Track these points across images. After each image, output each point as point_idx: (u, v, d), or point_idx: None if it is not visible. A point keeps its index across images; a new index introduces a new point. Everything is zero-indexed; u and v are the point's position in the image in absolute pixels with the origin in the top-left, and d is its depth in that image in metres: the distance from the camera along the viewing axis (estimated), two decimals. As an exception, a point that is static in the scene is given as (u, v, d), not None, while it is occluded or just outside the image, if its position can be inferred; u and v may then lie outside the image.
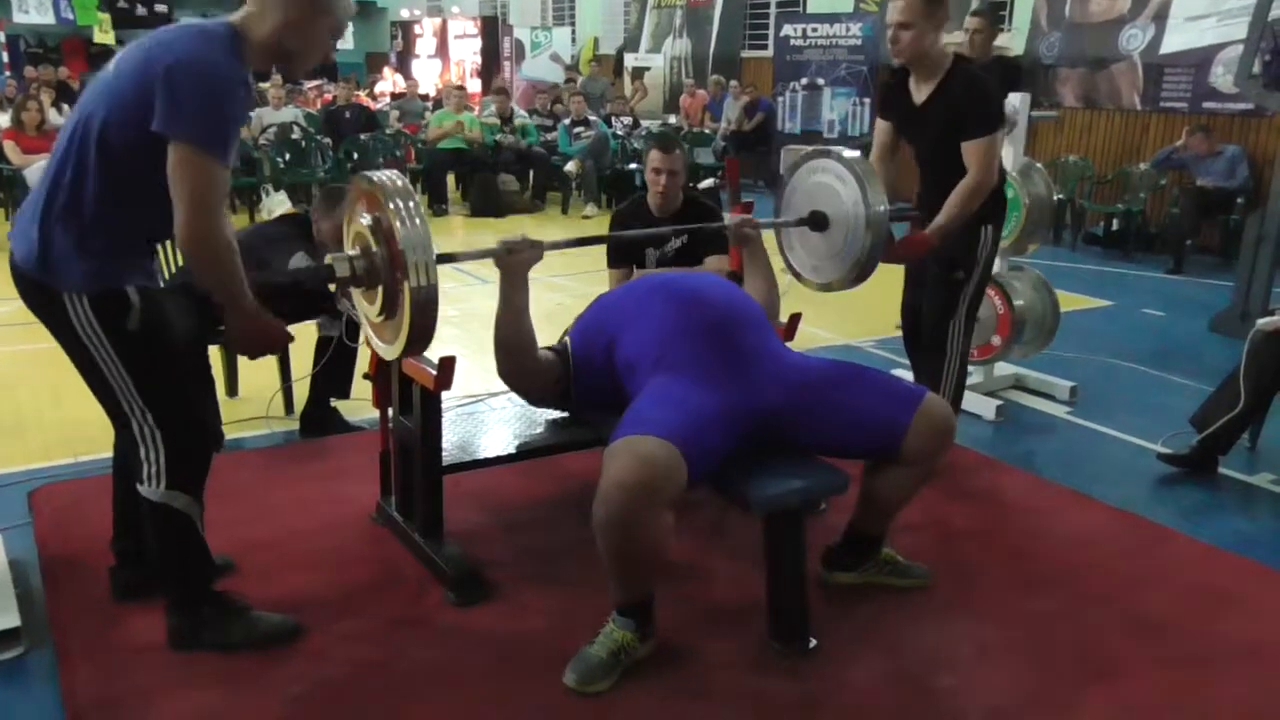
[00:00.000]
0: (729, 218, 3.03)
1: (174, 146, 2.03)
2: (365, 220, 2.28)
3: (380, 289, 2.28)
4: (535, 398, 2.84)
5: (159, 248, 2.47)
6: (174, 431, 2.27)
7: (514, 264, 2.47)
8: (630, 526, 2.19)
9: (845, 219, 2.91)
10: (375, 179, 2.24)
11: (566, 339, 2.73)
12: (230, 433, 3.77)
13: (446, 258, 2.33)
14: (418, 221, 2.16)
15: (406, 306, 2.18)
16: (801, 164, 3.09)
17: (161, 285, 2.43)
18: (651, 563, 2.30)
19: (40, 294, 2.18)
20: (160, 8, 16.05)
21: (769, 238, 2.99)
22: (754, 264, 2.94)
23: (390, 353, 2.38)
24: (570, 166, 9.89)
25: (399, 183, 2.22)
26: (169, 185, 2.04)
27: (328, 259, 2.33)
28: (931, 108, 3.33)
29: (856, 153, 2.99)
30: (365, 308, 2.42)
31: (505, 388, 4.03)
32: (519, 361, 2.58)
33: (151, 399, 2.24)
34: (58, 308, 2.16)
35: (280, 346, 2.42)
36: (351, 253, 2.32)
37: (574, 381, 2.65)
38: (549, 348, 2.71)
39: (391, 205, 2.17)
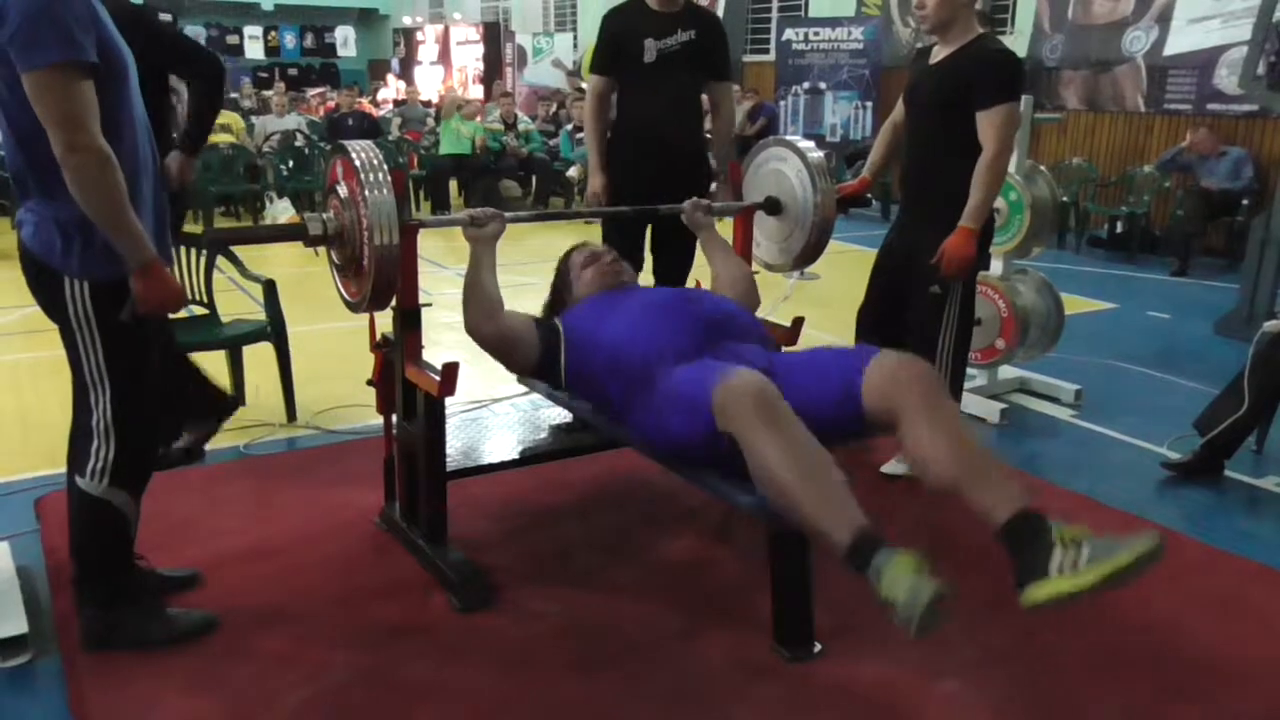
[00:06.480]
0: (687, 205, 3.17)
1: (24, 79, 1.94)
2: (340, 186, 2.53)
3: (349, 248, 2.55)
4: (506, 360, 2.74)
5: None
6: (129, 430, 2.28)
7: (481, 235, 2.70)
8: (767, 411, 2.16)
9: (795, 200, 3.16)
10: (350, 149, 2.50)
11: (557, 321, 2.74)
12: (234, 439, 3.78)
13: (418, 223, 2.65)
14: (385, 191, 2.42)
15: (371, 263, 2.44)
16: (756, 154, 3.33)
17: None
18: (816, 466, 2.14)
19: (41, 273, 2.18)
20: (164, 18, 16.04)
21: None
22: (712, 246, 3.09)
23: (357, 306, 2.61)
24: (572, 172, 9.91)
25: (371, 157, 2.46)
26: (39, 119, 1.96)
27: (303, 215, 2.63)
28: (942, 65, 3.20)
29: (810, 143, 3.21)
30: (337, 263, 2.70)
31: (508, 393, 4.06)
32: (485, 311, 2.64)
33: (117, 393, 2.25)
34: (57, 288, 2.16)
35: (176, 297, 2.26)
36: (325, 215, 2.58)
37: (566, 359, 2.66)
38: (532, 317, 2.75)
39: (363, 176, 2.43)
